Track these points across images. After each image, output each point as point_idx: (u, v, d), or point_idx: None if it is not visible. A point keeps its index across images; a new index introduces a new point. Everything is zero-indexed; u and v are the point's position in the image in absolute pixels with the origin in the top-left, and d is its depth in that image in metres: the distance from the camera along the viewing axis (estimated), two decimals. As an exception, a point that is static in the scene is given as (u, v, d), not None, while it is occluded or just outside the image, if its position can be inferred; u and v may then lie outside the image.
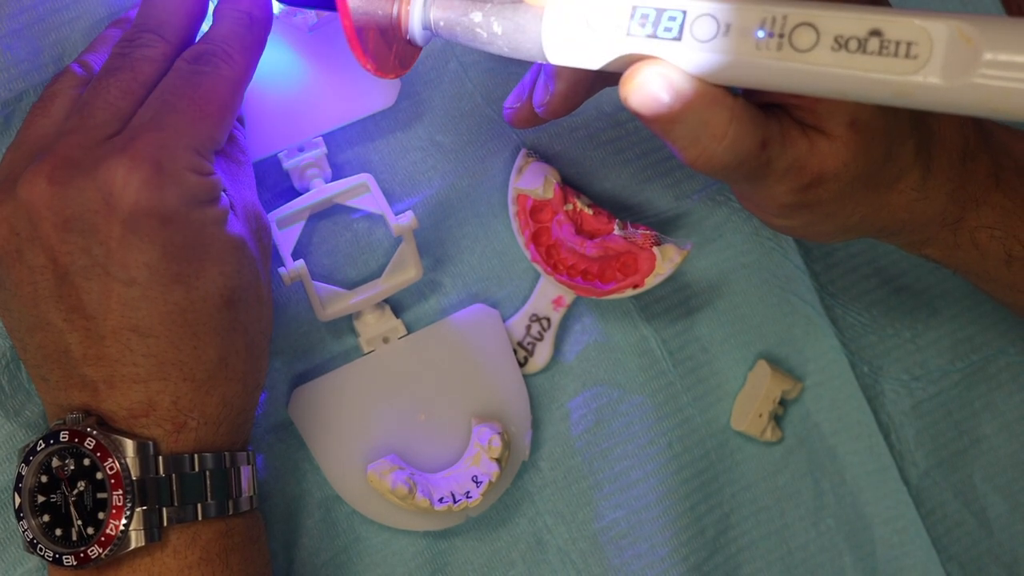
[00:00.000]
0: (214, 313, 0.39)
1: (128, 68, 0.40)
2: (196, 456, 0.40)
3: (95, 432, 0.38)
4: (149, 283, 0.38)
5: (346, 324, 0.50)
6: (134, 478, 0.38)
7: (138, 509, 0.38)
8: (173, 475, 0.39)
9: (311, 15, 0.46)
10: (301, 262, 0.46)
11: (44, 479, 0.39)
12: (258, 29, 0.42)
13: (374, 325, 0.49)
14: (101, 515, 0.38)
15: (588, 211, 0.50)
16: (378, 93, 0.48)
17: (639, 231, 0.50)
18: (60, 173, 0.37)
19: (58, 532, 0.39)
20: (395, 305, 0.50)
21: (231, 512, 0.41)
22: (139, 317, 0.38)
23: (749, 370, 0.54)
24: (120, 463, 0.38)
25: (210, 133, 0.40)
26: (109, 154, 0.37)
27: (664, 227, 0.53)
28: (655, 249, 0.49)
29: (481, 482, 0.47)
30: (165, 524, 0.39)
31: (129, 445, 0.38)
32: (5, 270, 0.39)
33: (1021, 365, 0.57)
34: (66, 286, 0.38)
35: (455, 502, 0.47)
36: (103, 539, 0.38)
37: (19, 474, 0.39)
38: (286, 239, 0.47)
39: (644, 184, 0.53)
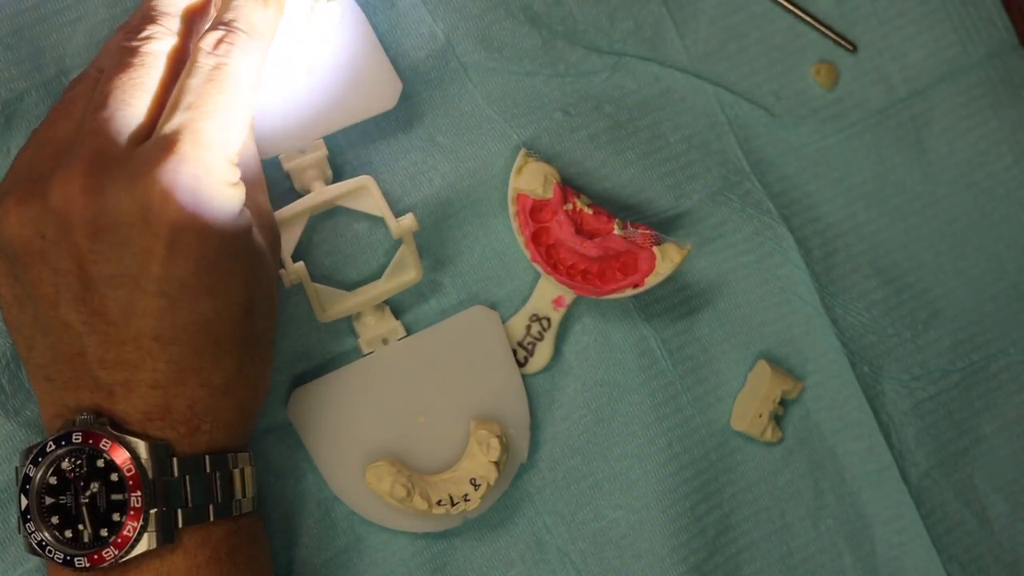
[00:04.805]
0: (237, 323, 0.40)
1: (140, 65, 0.40)
2: (208, 458, 0.40)
3: (113, 434, 0.38)
4: (179, 296, 0.38)
5: (345, 325, 0.50)
6: (150, 479, 0.38)
7: (153, 511, 0.38)
8: (187, 477, 0.39)
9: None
10: (301, 263, 0.46)
11: (53, 480, 0.38)
12: (272, 12, 0.42)
13: (374, 326, 0.49)
14: (116, 517, 0.38)
15: (588, 211, 0.50)
16: (379, 96, 0.48)
17: (639, 231, 0.50)
18: (94, 181, 0.37)
19: (68, 534, 0.38)
20: (395, 305, 0.50)
21: (237, 512, 0.41)
22: (164, 327, 0.38)
23: (749, 370, 0.54)
24: (137, 465, 0.38)
25: (236, 136, 0.39)
26: (146, 166, 0.37)
27: (664, 227, 0.53)
28: (655, 249, 0.49)
29: (479, 485, 0.47)
30: (181, 525, 0.39)
31: (143, 447, 0.38)
32: (23, 268, 0.38)
33: (1022, 365, 0.57)
34: (90, 292, 0.38)
35: (453, 505, 0.47)
36: (119, 540, 0.38)
37: (26, 475, 0.38)
38: (287, 241, 0.47)
39: (644, 184, 0.53)
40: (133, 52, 0.40)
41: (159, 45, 0.40)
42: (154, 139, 0.38)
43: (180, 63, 0.41)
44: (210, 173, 0.38)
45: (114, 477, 0.38)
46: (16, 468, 0.40)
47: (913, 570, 0.55)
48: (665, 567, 0.51)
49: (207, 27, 0.42)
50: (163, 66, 0.40)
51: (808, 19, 0.55)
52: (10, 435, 0.45)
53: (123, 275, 0.37)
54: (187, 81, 0.39)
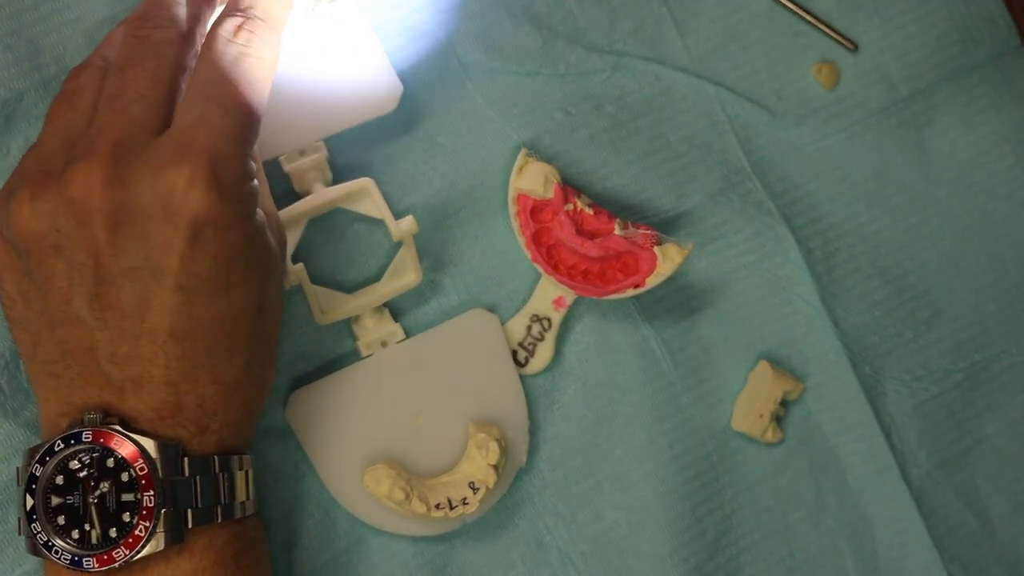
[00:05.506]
0: (250, 320, 0.39)
1: (152, 54, 0.39)
2: (216, 458, 0.39)
3: (124, 432, 0.37)
4: (197, 291, 0.37)
5: (344, 328, 0.50)
6: (161, 479, 0.37)
7: (164, 511, 0.38)
8: (197, 477, 0.38)
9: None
10: (300, 265, 0.46)
11: (60, 480, 0.38)
12: (286, 0, 0.42)
13: (373, 329, 0.49)
14: (126, 517, 0.37)
15: (589, 211, 0.50)
16: (379, 99, 0.48)
17: (640, 231, 0.49)
18: (115, 175, 0.37)
19: (74, 535, 0.37)
20: (395, 306, 0.50)
21: (242, 514, 0.41)
22: (180, 321, 0.38)
23: (750, 370, 0.54)
24: (150, 464, 0.37)
25: (255, 127, 0.39)
26: (167, 158, 0.37)
27: (665, 227, 0.53)
28: (656, 249, 0.49)
29: (477, 488, 0.47)
30: (190, 526, 0.38)
31: (154, 445, 0.38)
32: (36, 262, 0.38)
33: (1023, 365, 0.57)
34: (105, 285, 0.37)
35: (451, 508, 0.47)
36: (131, 541, 0.37)
37: (32, 475, 0.38)
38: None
39: (645, 184, 0.53)
40: (145, 41, 0.39)
41: (170, 34, 0.40)
42: (173, 130, 0.38)
43: (190, 51, 0.40)
44: (229, 167, 0.37)
45: (124, 477, 0.38)
46: (18, 468, 0.39)
47: (915, 571, 0.55)
48: (666, 568, 0.51)
49: (222, 13, 0.41)
50: (175, 55, 0.40)
51: (809, 18, 0.55)
52: (9, 436, 0.45)
53: (141, 269, 0.37)
54: (205, 69, 0.39)
